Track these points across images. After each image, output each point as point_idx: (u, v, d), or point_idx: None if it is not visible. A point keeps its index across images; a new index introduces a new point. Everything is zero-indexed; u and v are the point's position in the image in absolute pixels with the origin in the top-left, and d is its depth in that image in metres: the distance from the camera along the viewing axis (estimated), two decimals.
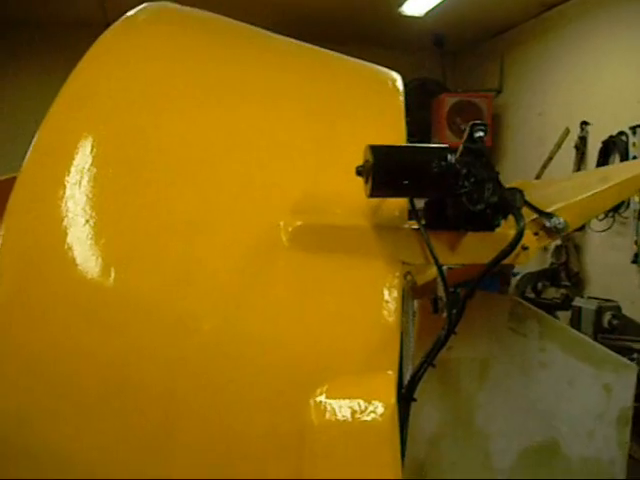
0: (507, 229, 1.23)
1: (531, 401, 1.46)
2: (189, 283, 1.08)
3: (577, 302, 4.15)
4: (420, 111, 7.51)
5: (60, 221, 1.09)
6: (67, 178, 1.12)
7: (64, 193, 1.11)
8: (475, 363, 1.45)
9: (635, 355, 3.37)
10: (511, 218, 1.32)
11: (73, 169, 1.13)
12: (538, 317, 1.45)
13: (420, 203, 1.22)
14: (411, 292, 1.24)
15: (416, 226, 1.17)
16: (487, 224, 1.11)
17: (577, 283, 5.29)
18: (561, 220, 1.24)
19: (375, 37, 6.91)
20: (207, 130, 1.23)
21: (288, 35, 1.55)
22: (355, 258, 1.14)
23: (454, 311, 1.11)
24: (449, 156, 1.06)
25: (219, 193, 1.17)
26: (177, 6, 1.54)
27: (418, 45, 7.07)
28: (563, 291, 4.95)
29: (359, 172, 1.08)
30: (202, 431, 1.04)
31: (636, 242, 4.69)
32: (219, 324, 1.07)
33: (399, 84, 1.47)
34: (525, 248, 1.20)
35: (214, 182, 1.18)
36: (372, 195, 1.08)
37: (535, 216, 1.26)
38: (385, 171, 1.06)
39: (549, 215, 1.24)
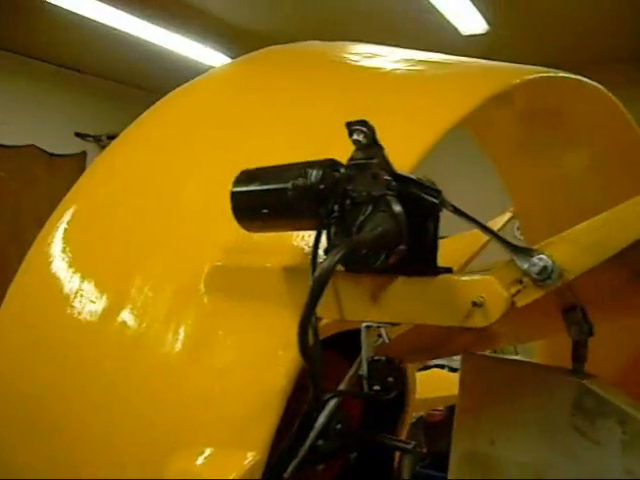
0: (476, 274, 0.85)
1: None
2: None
3: None
4: None
5: None
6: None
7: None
8: (527, 469, 1.03)
9: None
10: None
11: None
12: (620, 415, 0.95)
13: None
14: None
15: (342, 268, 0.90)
16: (366, 264, 0.80)
17: None
18: (546, 261, 0.79)
19: None
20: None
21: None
22: (264, 307, 0.94)
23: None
24: (314, 172, 0.80)
25: (168, 225, 1.10)
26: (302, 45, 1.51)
27: None
28: None
29: None
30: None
31: None
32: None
33: (468, 97, 1.11)
34: (477, 304, 0.79)
35: (170, 210, 1.12)
36: (244, 228, 0.89)
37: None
38: (241, 199, 0.87)
39: (528, 252, 0.80)
